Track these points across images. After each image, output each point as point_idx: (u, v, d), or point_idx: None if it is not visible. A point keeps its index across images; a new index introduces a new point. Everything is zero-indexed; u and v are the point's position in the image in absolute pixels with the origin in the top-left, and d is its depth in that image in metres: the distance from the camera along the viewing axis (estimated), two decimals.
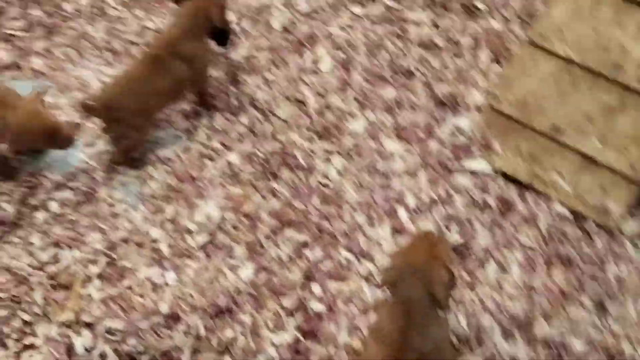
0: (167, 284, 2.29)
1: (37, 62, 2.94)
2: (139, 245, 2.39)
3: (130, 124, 2.54)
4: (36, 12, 3.12)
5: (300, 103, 2.82)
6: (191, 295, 2.26)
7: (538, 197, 2.53)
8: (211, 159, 2.66)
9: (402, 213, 2.45)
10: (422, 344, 1.79)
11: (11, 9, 3.12)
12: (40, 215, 2.44)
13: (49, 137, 2.46)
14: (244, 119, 2.77)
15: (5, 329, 2.14)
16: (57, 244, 2.35)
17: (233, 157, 2.64)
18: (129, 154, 2.62)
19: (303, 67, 2.93)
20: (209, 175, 2.60)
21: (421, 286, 1.79)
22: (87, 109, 2.50)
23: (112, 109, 2.48)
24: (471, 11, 3.16)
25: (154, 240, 2.40)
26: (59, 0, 3.18)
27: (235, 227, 2.45)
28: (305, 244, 2.40)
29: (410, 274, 1.81)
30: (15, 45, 3.01)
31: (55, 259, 2.31)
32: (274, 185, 2.56)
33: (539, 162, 2.56)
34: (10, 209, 2.42)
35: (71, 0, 3.20)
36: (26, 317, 2.17)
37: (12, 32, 3.06)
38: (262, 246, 2.39)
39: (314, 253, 2.37)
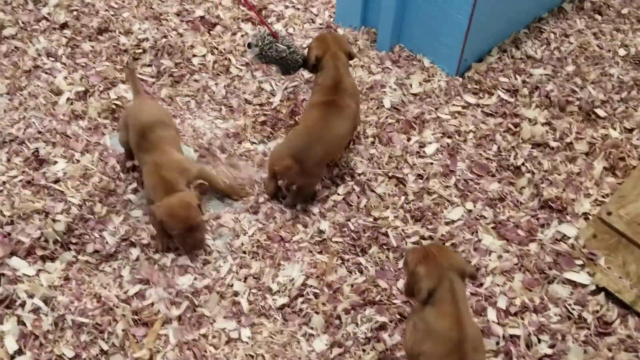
0: (240, 340, 2.28)
1: None
2: (221, 296, 2.41)
3: (312, 174, 2.66)
4: (167, 62, 3.35)
5: (400, 182, 2.81)
6: (262, 357, 2.23)
7: None
8: (303, 223, 2.68)
9: (490, 313, 2.33)
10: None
11: (146, 56, 3.37)
12: (135, 252, 2.53)
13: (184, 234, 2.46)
14: (341, 190, 2.79)
15: (83, 354, 2.20)
16: (146, 281, 2.42)
17: (324, 226, 2.64)
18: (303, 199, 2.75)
19: (408, 147, 2.94)
20: (298, 239, 2.61)
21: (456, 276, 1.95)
22: (284, 169, 2.59)
23: (301, 161, 2.58)
24: (590, 117, 3.08)
25: (236, 294, 2.41)
26: (188, 54, 3.41)
27: (316, 296, 2.42)
28: (383, 327, 2.32)
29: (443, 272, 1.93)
30: (143, 89, 3.23)
31: (142, 295, 2.37)
32: (361, 260, 2.53)
33: None
34: (111, 242, 2.53)
35: (199, 55, 3.42)
36: (104, 346, 2.22)
37: (143, 77, 3.29)
38: (340, 320, 2.35)
39: (392, 337, 2.29)
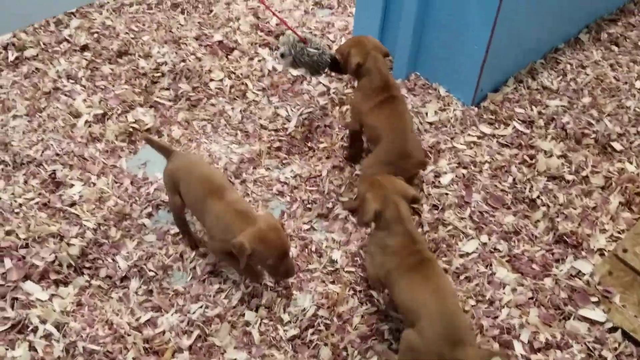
0: None
1: (176, 131, 3.15)
2: (232, 325, 2.40)
3: None
4: (184, 86, 3.39)
5: (415, 213, 2.79)
6: None
7: None
8: (317, 253, 2.67)
9: (517, 346, 2.30)
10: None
11: (164, 80, 3.41)
12: (149, 279, 2.53)
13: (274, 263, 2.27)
14: (353, 218, 2.78)
15: None
16: (158, 309, 2.42)
17: (338, 255, 2.63)
18: None
19: (423, 176, 2.93)
20: (312, 268, 2.61)
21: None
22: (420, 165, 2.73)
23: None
24: (606, 150, 3.06)
25: (247, 324, 2.40)
26: (206, 78, 3.44)
27: (326, 327, 2.40)
28: None
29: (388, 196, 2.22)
30: (160, 112, 3.26)
31: (153, 323, 2.37)
32: (373, 292, 2.51)
33: None
34: (124, 267, 2.54)
35: (217, 80, 3.45)
36: None
37: (161, 100, 3.32)
38: (347, 352, 2.32)
39: None
